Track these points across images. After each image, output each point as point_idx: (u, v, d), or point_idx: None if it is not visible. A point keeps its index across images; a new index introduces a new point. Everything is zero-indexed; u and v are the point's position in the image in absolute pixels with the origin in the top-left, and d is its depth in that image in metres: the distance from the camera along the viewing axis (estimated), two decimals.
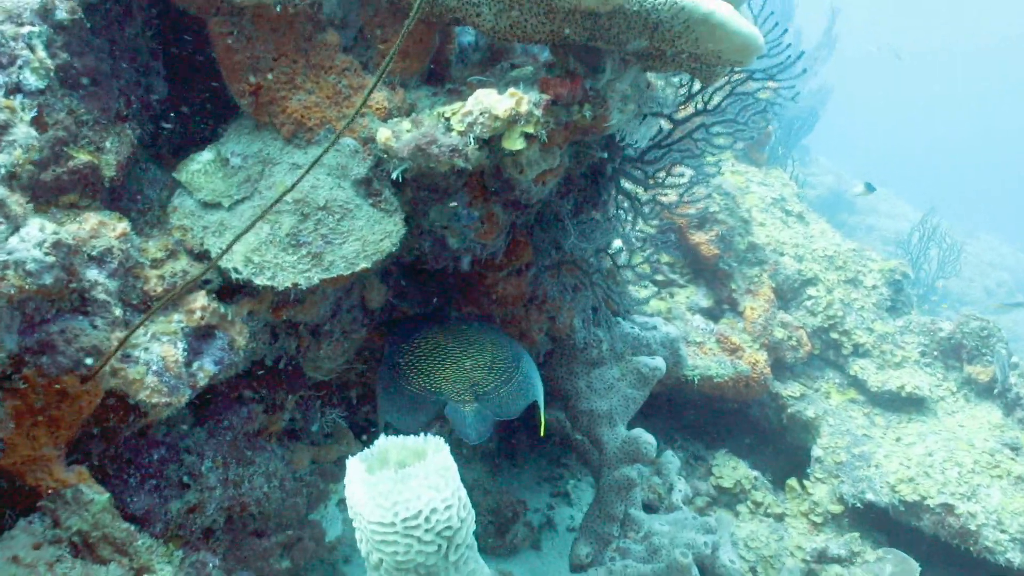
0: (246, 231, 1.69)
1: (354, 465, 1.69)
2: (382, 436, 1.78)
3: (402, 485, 1.64)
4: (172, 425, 2.28)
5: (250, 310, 2.23)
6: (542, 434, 2.54)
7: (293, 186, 1.63)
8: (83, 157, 1.97)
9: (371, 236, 2.14)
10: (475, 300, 2.75)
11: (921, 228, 8.27)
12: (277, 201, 1.64)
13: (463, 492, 1.72)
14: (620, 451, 2.97)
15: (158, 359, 1.98)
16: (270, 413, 2.49)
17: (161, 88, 2.33)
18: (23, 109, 1.81)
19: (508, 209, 2.35)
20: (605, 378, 3.06)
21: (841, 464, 4.09)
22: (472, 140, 2.03)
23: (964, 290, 12.80)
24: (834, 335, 4.68)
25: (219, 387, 2.36)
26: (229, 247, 1.69)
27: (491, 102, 1.95)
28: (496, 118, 1.95)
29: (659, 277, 4.34)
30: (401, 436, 1.77)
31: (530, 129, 1.98)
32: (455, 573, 1.73)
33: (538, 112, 1.98)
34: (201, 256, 2.12)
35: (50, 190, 1.94)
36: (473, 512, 1.77)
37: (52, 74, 1.92)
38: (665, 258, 4.45)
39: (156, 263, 2.08)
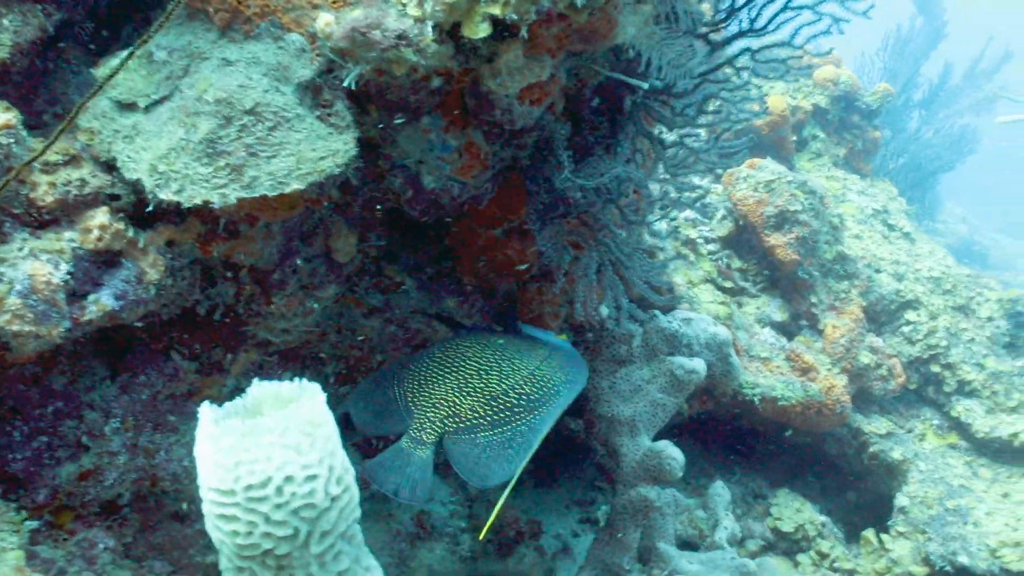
0: (88, 99, 1.30)
1: (204, 413, 1.26)
2: (256, 381, 1.35)
3: (249, 440, 1.20)
4: (76, 375, 1.91)
5: (170, 239, 1.85)
6: (480, 536, 2.03)
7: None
8: None
9: (309, 153, 1.73)
10: (470, 266, 2.31)
11: None
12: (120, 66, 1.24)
13: (340, 461, 1.27)
14: (639, 466, 2.45)
15: (24, 277, 1.61)
16: (205, 374, 2.09)
17: None
18: None
19: (492, 139, 1.91)
20: (632, 379, 2.56)
21: (930, 518, 3.42)
22: (430, 29, 1.60)
23: None
24: (935, 368, 4.01)
25: (138, 334, 1.98)
26: (72, 118, 1.30)
27: None
28: None
29: (727, 284, 3.79)
30: (276, 382, 1.34)
31: (496, 10, 1.53)
32: (320, 571, 1.27)
33: None
34: (108, 165, 1.76)
35: None
36: (356, 493, 1.31)
37: None
38: (736, 263, 3.90)
39: (50, 167, 1.72)
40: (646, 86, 1.75)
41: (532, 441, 2.01)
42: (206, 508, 1.25)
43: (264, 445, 1.20)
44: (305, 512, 1.22)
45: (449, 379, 2.09)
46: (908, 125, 8.32)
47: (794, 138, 4.90)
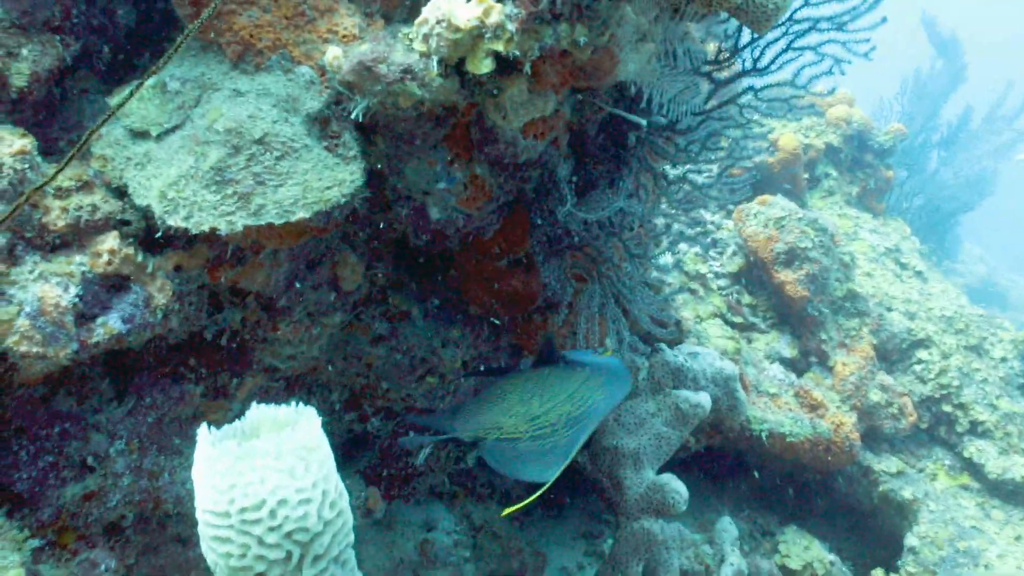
0: (99, 126, 1.34)
1: (202, 435, 1.28)
2: (254, 405, 1.37)
3: (244, 463, 1.22)
4: (83, 396, 1.94)
5: (178, 265, 1.88)
6: (502, 514, 2.09)
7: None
8: None
9: (316, 182, 1.77)
10: (477, 297, 2.33)
11: None
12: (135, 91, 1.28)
13: (334, 486, 1.28)
14: (643, 499, 2.45)
15: (34, 299, 1.64)
16: (210, 398, 2.11)
17: (127, 13, 2.05)
18: None
19: (497, 172, 1.93)
20: (637, 412, 2.56)
21: (941, 559, 3.38)
22: (435, 64, 1.63)
23: None
24: (947, 408, 3.98)
25: (145, 357, 2.00)
26: (83, 144, 1.34)
27: (451, 8, 1.55)
28: (456, 29, 1.55)
29: (737, 319, 3.79)
30: (274, 405, 1.36)
31: (499, 47, 1.56)
32: None
33: (512, 27, 1.57)
34: (120, 191, 1.80)
35: None
36: (350, 518, 1.32)
37: None
38: (746, 298, 3.90)
39: (62, 193, 1.76)
40: (644, 123, 1.78)
41: (571, 450, 2.05)
42: (201, 529, 1.26)
43: (259, 468, 1.21)
44: (298, 535, 1.23)
45: (495, 408, 2.13)
46: (927, 166, 8.32)
47: (806, 176, 4.91)
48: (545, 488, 1.98)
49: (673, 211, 2.17)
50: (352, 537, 1.33)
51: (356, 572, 1.37)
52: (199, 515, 1.26)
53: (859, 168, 5.22)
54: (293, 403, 1.33)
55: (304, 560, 1.25)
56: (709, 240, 4.04)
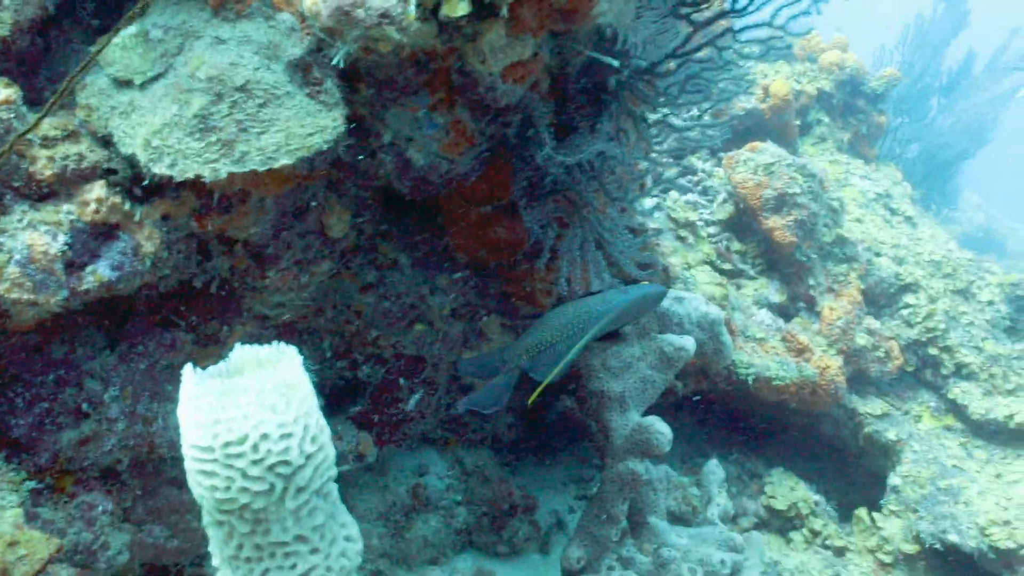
0: (80, 71, 1.36)
1: (187, 375, 1.32)
2: (238, 346, 1.41)
3: (228, 400, 1.26)
4: (76, 345, 1.98)
5: (165, 213, 1.90)
6: (529, 402, 2.19)
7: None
8: None
9: (298, 129, 1.79)
10: (463, 244, 2.36)
11: None
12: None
13: (315, 421, 1.32)
14: (628, 441, 2.50)
15: (23, 247, 1.67)
16: (201, 345, 2.15)
17: None
18: None
19: (478, 117, 1.95)
20: (623, 356, 2.60)
21: (922, 497, 3.45)
22: (413, 7, 1.64)
23: None
24: (933, 351, 4.03)
25: (137, 306, 2.04)
26: (65, 88, 1.36)
27: None
28: None
29: (726, 266, 3.82)
30: (257, 346, 1.40)
31: None
32: (295, 525, 1.33)
33: None
34: (106, 140, 1.82)
35: None
36: (331, 452, 1.36)
37: None
38: (736, 245, 3.93)
39: (49, 142, 1.79)
40: (616, 63, 1.79)
41: (602, 320, 2.15)
42: (188, 464, 1.30)
43: (241, 404, 1.25)
44: (280, 468, 1.27)
45: (536, 330, 2.22)
46: (927, 113, 8.25)
47: (798, 122, 4.90)
48: (580, 350, 2.09)
49: (658, 156, 2.19)
50: (334, 471, 1.37)
51: (339, 504, 1.42)
52: (185, 450, 1.30)
53: (851, 114, 5.21)
54: (275, 343, 1.36)
55: (287, 492, 1.29)
56: (698, 186, 4.06)
